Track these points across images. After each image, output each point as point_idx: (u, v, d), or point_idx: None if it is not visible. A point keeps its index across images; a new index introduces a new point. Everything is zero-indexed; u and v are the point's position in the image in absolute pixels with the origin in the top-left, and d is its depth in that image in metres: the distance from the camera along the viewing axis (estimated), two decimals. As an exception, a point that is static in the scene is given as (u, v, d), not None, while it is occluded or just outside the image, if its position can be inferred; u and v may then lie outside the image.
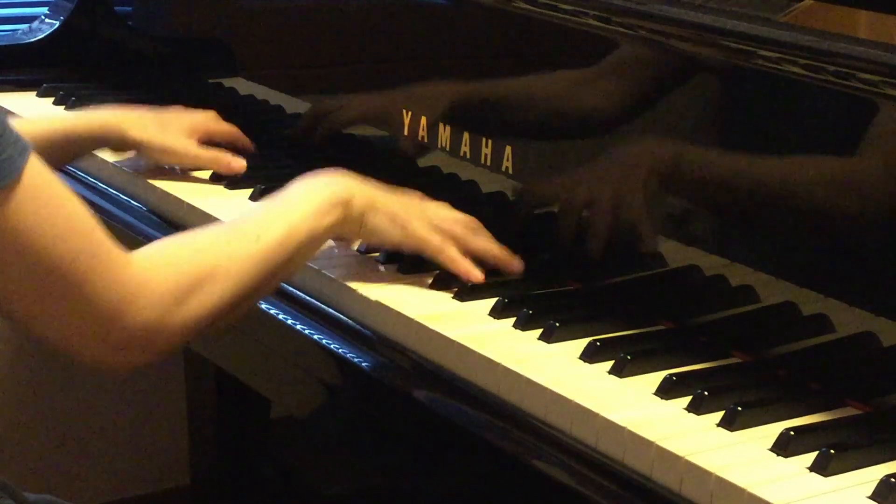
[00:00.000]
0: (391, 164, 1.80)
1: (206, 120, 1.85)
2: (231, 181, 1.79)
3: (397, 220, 1.47)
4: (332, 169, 1.49)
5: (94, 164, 1.88)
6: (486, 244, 1.51)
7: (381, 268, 1.54)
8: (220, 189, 1.78)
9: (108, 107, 1.85)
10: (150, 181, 1.80)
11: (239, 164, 1.78)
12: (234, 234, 1.35)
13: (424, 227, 1.48)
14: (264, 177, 1.81)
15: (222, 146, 1.83)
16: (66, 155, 1.79)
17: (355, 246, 1.57)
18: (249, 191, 1.77)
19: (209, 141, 1.82)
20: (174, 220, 1.73)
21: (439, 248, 1.47)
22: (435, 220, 1.49)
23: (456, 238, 1.49)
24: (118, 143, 1.80)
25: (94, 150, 1.83)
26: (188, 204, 1.72)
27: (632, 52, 1.53)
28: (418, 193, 1.53)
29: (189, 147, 1.80)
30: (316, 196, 1.42)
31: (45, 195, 1.18)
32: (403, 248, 1.50)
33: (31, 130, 1.72)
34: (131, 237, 1.76)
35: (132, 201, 1.82)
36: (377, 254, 1.55)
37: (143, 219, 1.77)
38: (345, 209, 1.44)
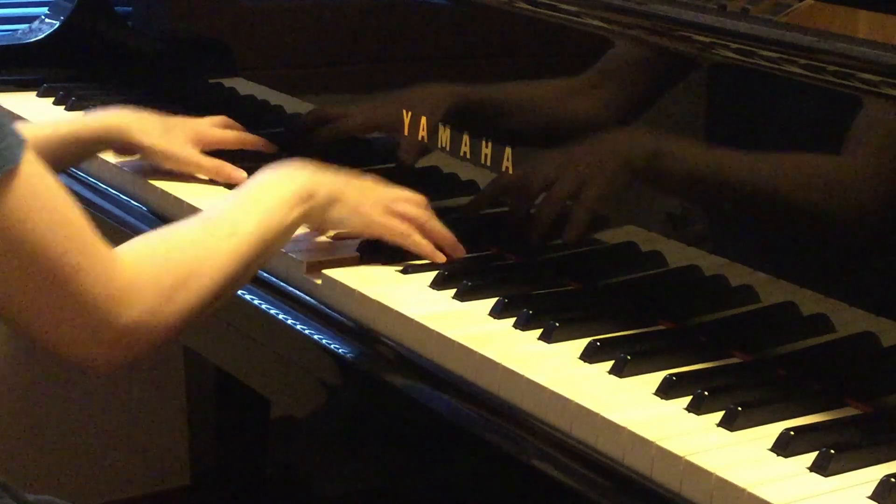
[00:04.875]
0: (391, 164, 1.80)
1: (212, 127, 1.86)
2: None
3: (360, 210, 1.52)
4: (294, 161, 1.51)
5: (95, 165, 1.88)
6: (440, 227, 1.57)
7: (382, 268, 1.54)
8: (220, 189, 1.78)
9: (112, 108, 1.84)
10: (151, 181, 1.80)
11: (239, 175, 1.78)
12: (211, 231, 1.37)
13: (385, 215, 1.54)
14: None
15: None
16: (70, 157, 1.80)
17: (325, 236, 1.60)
18: (249, 191, 1.76)
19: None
20: (174, 220, 1.73)
21: (404, 233, 1.54)
22: (394, 206, 1.55)
23: (415, 221, 1.55)
24: (121, 145, 1.81)
25: (98, 152, 1.84)
26: (188, 204, 1.72)
27: (630, 52, 1.53)
28: (374, 177, 1.58)
29: (191, 155, 1.80)
30: (283, 189, 1.45)
31: (39, 188, 1.19)
32: (366, 235, 1.56)
33: (35, 133, 1.72)
34: (131, 237, 1.76)
35: (132, 201, 1.82)
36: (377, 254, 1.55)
37: (143, 219, 1.77)
38: (310, 201, 1.47)
